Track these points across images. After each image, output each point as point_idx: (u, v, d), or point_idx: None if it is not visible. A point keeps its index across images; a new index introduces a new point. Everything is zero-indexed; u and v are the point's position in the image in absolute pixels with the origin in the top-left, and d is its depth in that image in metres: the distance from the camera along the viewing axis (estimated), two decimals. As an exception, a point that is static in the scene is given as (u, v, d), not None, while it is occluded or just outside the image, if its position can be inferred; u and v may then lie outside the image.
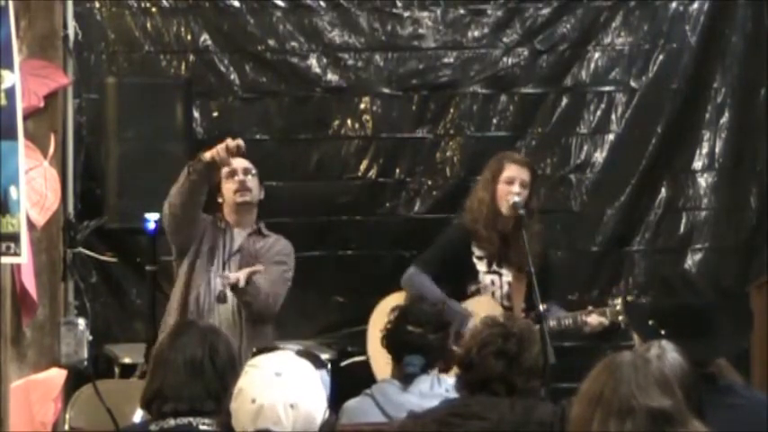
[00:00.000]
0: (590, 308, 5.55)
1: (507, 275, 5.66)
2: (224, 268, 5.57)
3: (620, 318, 5.47)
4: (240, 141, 5.42)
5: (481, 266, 5.69)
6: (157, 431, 3.46)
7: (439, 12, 7.26)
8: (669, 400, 2.76)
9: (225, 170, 5.65)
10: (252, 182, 5.67)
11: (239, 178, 5.64)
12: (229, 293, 5.49)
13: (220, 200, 5.71)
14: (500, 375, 3.72)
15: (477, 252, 5.70)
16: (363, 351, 6.06)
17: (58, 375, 4.61)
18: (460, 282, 5.71)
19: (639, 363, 2.80)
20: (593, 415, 2.75)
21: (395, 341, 4.53)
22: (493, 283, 5.67)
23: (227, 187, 5.67)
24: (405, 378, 4.46)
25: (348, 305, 7.13)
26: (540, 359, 3.85)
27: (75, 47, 5.89)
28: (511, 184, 5.63)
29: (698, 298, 3.44)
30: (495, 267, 5.68)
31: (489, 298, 5.69)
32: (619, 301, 5.56)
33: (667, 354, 2.90)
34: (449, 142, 7.31)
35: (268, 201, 6.62)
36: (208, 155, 5.41)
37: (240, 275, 5.39)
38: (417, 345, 4.46)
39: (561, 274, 6.02)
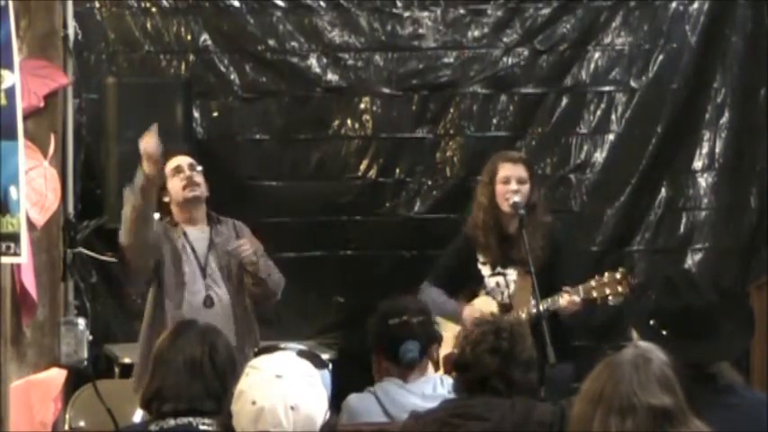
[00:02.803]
0: (565, 288, 5.47)
1: (512, 275, 5.65)
2: (204, 276, 5.56)
3: (595, 294, 5.42)
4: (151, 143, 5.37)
5: (486, 271, 5.69)
6: (157, 431, 3.46)
7: (439, 12, 7.26)
8: (670, 398, 2.76)
9: (169, 168, 5.62)
10: (198, 177, 5.62)
11: (186, 174, 5.60)
12: (216, 296, 5.51)
13: (167, 199, 5.64)
14: (497, 371, 3.73)
15: (481, 258, 5.70)
16: (363, 351, 6.04)
17: (58, 375, 4.61)
18: (470, 289, 5.73)
19: (640, 361, 2.80)
20: (593, 413, 2.75)
21: (383, 340, 4.54)
22: (498, 284, 5.66)
23: (174, 184, 5.61)
24: (406, 367, 4.46)
25: (348, 305, 7.13)
26: (534, 353, 3.86)
27: (76, 47, 5.86)
28: (507, 183, 5.62)
29: (701, 298, 3.43)
30: (499, 269, 5.67)
31: (485, 298, 5.69)
32: (595, 278, 5.50)
33: (654, 353, 2.89)
34: (449, 142, 7.31)
35: (268, 201, 6.65)
36: (139, 179, 5.36)
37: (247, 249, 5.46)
38: (405, 333, 4.48)
39: (572, 265, 5.91)
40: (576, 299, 5.40)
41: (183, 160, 5.66)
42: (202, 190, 5.62)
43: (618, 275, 5.41)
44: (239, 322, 5.57)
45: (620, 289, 5.39)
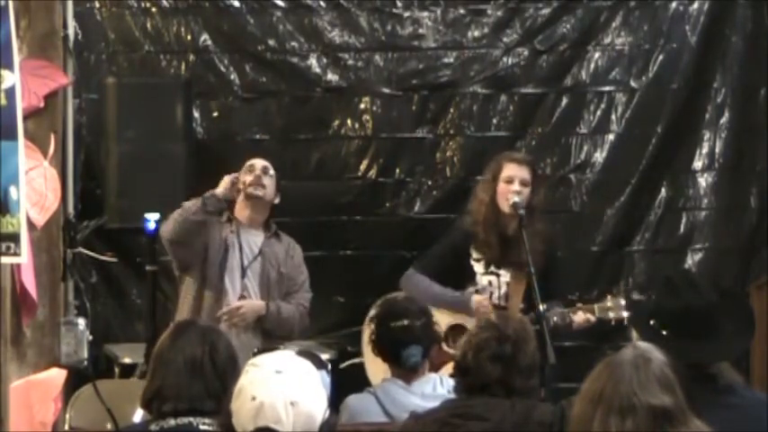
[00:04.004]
0: (578, 304, 5.49)
1: (505, 276, 5.65)
2: (243, 275, 5.63)
3: (611, 315, 5.43)
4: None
5: (479, 268, 5.69)
6: (158, 431, 3.46)
7: (439, 12, 7.25)
8: (670, 398, 2.76)
9: (244, 167, 5.80)
10: (267, 180, 5.77)
11: (256, 173, 5.76)
12: (251, 296, 5.61)
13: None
14: (498, 379, 3.72)
15: (474, 254, 5.69)
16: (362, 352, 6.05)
17: (58, 375, 4.61)
18: (458, 283, 5.71)
19: (640, 361, 2.80)
20: (593, 413, 2.75)
21: (385, 343, 4.54)
22: (490, 283, 5.66)
23: (243, 180, 5.76)
24: (408, 370, 4.46)
25: (348, 305, 7.13)
26: (537, 357, 3.85)
27: (76, 47, 5.88)
28: (510, 183, 5.61)
29: (701, 298, 3.43)
30: (492, 269, 5.67)
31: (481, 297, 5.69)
32: (609, 297, 5.51)
33: (654, 353, 2.90)
34: (449, 142, 7.31)
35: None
36: (219, 191, 5.56)
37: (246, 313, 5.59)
38: (408, 337, 4.47)
39: (564, 274, 5.96)
40: (592, 318, 5.41)
41: (259, 162, 5.82)
42: (266, 192, 5.76)
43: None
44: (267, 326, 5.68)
45: (626, 315, 5.39)
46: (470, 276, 5.70)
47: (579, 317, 5.42)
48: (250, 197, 5.74)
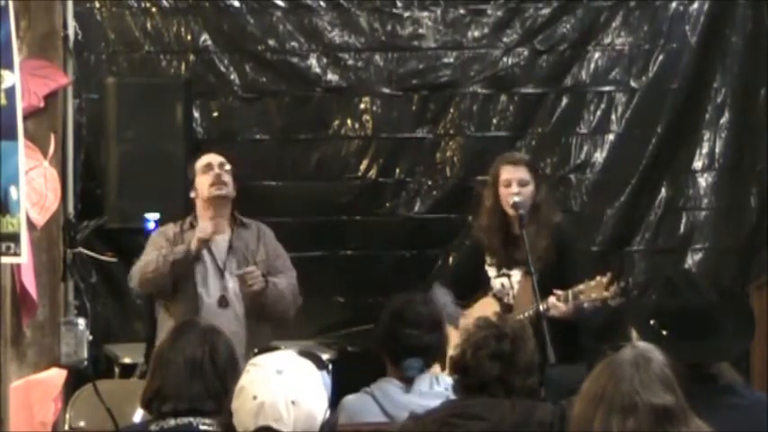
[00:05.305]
0: (556, 291, 5.45)
1: (516, 275, 5.65)
2: (221, 276, 5.58)
3: (582, 298, 5.39)
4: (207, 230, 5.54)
5: (492, 272, 5.70)
6: (157, 431, 3.46)
7: (439, 12, 7.26)
8: (672, 398, 2.76)
9: (200, 165, 5.65)
10: (227, 176, 5.63)
11: (215, 172, 5.61)
12: (232, 297, 5.53)
13: (193, 195, 5.67)
14: (497, 377, 3.71)
15: (489, 260, 5.71)
16: (363, 351, 6.05)
17: (57, 375, 4.61)
18: (480, 290, 5.73)
19: (641, 361, 2.80)
20: (594, 413, 2.75)
21: (392, 344, 4.50)
22: (503, 285, 5.66)
23: (202, 181, 5.62)
24: (405, 380, 4.45)
25: (348, 305, 7.13)
26: (536, 356, 3.84)
27: (76, 47, 5.87)
28: (509, 186, 5.61)
29: (701, 298, 3.43)
30: (504, 270, 5.68)
31: (489, 299, 5.70)
32: (585, 281, 5.48)
33: (654, 353, 2.90)
34: (449, 142, 7.31)
35: (268, 201, 6.66)
36: (194, 246, 5.48)
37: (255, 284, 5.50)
38: (415, 347, 4.44)
39: (581, 262, 5.88)
40: (560, 304, 5.38)
41: (215, 158, 5.68)
42: (229, 190, 5.64)
43: (605, 280, 5.39)
44: (252, 323, 5.58)
45: (606, 294, 5.36)
46: (487, 282, 5.72)
47: (548, 304, 5.37)
48: (214, 199, 5.59)
